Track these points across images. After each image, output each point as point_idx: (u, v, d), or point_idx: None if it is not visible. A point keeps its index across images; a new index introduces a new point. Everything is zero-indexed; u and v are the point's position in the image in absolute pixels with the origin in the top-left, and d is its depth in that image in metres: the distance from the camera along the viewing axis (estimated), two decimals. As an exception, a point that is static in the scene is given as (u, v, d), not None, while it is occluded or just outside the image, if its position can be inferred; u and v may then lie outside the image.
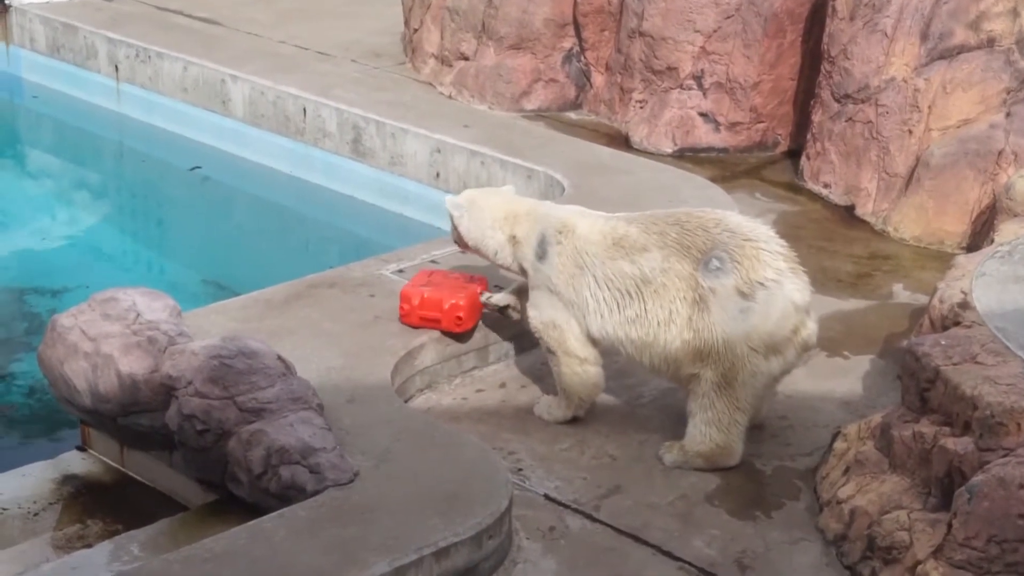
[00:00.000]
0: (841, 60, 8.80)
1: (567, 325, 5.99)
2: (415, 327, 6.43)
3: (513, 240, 6.13)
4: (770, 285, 5.61)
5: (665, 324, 5.75)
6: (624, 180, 8.36)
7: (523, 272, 6.17)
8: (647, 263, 5.76)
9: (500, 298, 6.42)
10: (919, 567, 4.72)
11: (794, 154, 9.61)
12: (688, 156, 9.61)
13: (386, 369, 6.12)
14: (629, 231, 5.86)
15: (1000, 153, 8.16)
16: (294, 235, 10.30)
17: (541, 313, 6.07)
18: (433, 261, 7.16)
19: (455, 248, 7.24)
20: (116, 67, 11.47)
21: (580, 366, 6.04)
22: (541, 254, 6.01)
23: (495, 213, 6.18)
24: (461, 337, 6.52)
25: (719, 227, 5.72)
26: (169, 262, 9.92)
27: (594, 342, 6.02)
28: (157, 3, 12.62)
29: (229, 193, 10.82)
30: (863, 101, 8.69)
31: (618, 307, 5.84)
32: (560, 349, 6.03)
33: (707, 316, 5.65)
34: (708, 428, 5.77)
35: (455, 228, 6.33)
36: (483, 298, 6.46)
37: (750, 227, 5.76)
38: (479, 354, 6.65)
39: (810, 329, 5.75)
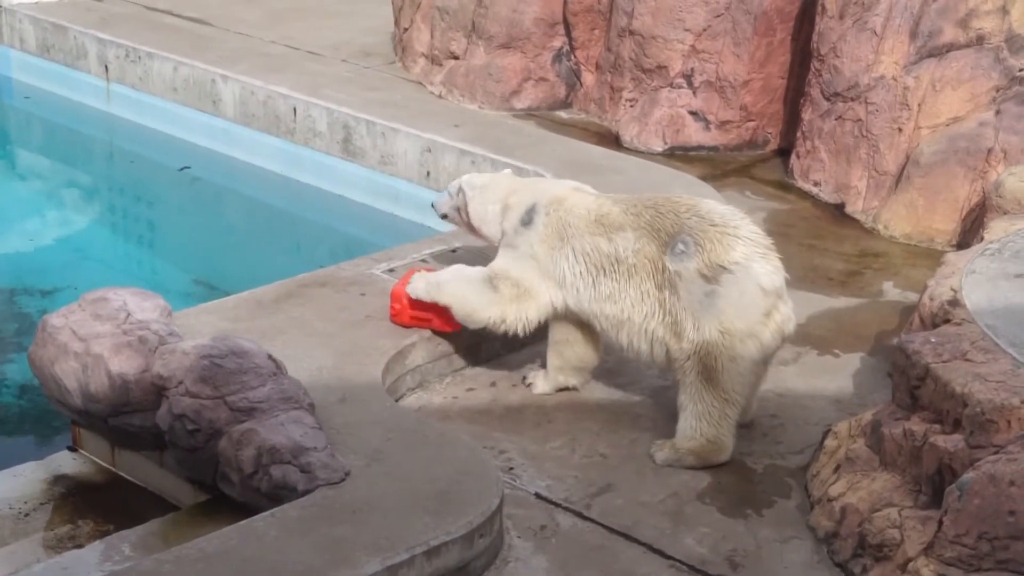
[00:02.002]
0: (831, 58, 8.81)
1: (536, 290, 6.09)
2: (406, 326, 6.44)
3: (506, 207, 6.24)
4: (734, 269, 5.66)
5: (638, 303, 5.85)
6: (614, 179, 8.36)
7: (500, 238, 6.26)
8: (621, 242, 5.87)
9: (541, 386, 6.47)
10: (910, 564, 4.72)
11: (784, 152, 9.62)
12: (678, 155, 9.62)
13: (377, 368, 6.12)
14: (612, 210, 5.98)
15: (990, 151, 8.17)
16: (285, 235, 10.29)
17: (505, 265, 6.16)
18: (423, 260, 7.16)
19: (446, 247, 7.28)
20: (106, 67, 11.46)
21: (512, 303, 6.12)
22: (527, 220, 6.12)
23: (500, 192, 6.32)
24: (452, 336, 6.52)
25: (689, 212, 5.83)
26: (159, 262, 9.91)
27: (569, 314, 6.11)
28: (147, 3, 12.60)
29: (220, 193, 10.81)
30: (853, 99, 8.70)
31: (593, 283, 5.95)
32: (510, 292, 6.11)
33: (676, 299, 5.73)
34: (698, 422, 5.79)
35: (463, 206, 6.41)
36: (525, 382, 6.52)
37: (720, 213, 5.84)
38: (470, 353, 6.65)
39: (784, 313, 5.78)
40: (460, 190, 6.45)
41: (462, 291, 6.23)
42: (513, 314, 6.13)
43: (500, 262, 6.22)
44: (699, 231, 5.73)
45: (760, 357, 5.80)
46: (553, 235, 6.03)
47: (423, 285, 6.33)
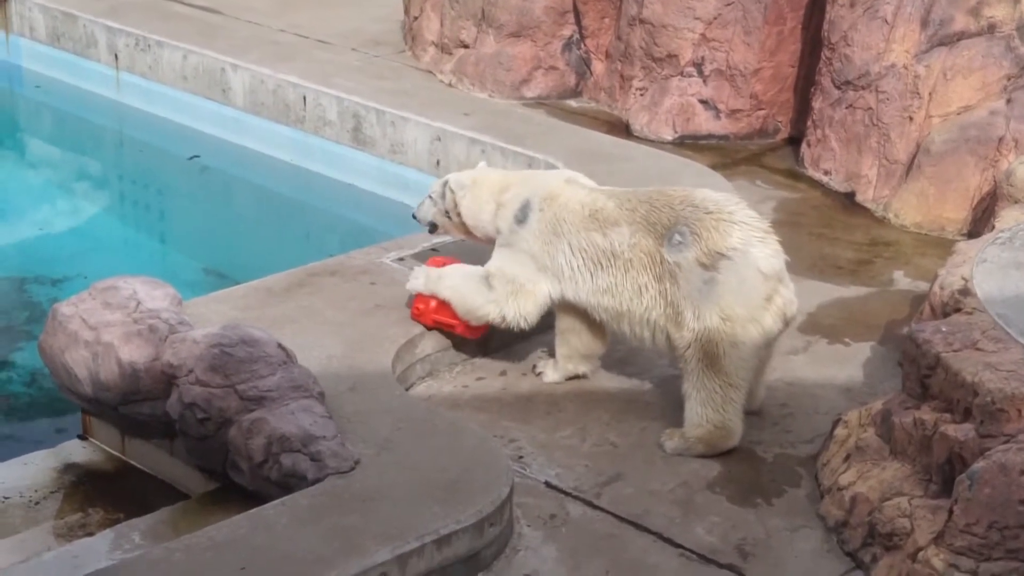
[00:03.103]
0: (841, 47, 8.79)
1: (533, 287, 6.10)
2: (426, 327, 6.40)
3: (499, 205, 6.22)
4: (732, 255, 5.66)
5: (636, 296, 5.87)
6: (624, 168, 8.36)
7: (496, 236, 6.24)
8: (617, 237, 5.89)
9: (551, 375, 6.47)
10: (920, 553, 4.72)
11: (794, 141, 9.60)
12: (688, 143, 9.60)
13: (387, 357, 6.12)
14: (607, 205, 5.98)
15: (1001, 139, 8.15)
16: (295, 223, 10.29)
17: (501, 264, 6.16)
18: (434, 249, 7.15)
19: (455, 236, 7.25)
20: (116, 56, 11.45)
21: (508, 300, 6.13)
22: (521, 218, 6.12)
23: (492, 188, 6.29)
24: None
25: (683, 203, 5.83)
26: (170, 251, 9.92)
27: (569, 306, 6.12)
28: (156, -9, 12.61)
29: (230, 182, 10.82)
30: (863, 88, 8.68)
31: (591, 276, 5.97)
32: (505, 290, 6.12)
33: (676, 290, 5.75)
34: (704, 409, 5.79)
35: (453, 207, 6.35)
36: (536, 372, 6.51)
37: (715, 200, 5.84)
38: (480, 342, 6.64)
39: (785, 297, 5.79)
40: (447, 191, 6.38)
41: (460, 288, 6.23)
42: (512, 311, 6.15)
43: (496, 261, 6.21)
44: (695, 220, 5.73)
45: (762, 341, 5.80)
46: (548, 231, 6.03)
47: (423, 279, 6.33)
